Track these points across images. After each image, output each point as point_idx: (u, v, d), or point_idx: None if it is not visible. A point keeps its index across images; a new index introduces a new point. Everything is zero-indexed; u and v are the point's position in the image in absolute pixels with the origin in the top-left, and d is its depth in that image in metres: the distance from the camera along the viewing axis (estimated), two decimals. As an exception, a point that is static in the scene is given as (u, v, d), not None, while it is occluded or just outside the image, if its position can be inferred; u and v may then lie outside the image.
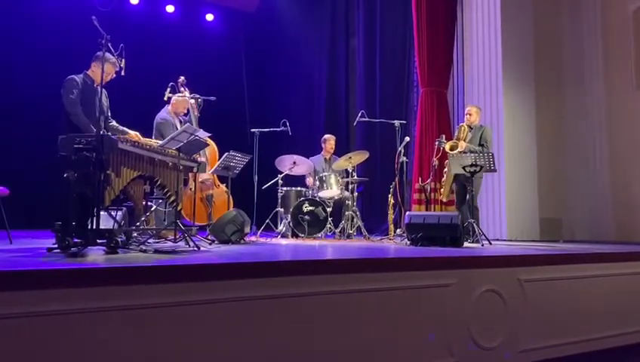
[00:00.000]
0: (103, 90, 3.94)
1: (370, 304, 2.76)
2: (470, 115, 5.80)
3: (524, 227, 6.72)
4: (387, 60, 8.45)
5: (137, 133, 4.30)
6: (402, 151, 6.07)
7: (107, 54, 3.80)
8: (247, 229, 4.96)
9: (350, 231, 6.10)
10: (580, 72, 7.36)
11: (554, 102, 7.25)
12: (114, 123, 4.35)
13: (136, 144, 3.58)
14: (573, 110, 7.33)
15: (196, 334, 2.31)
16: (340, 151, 7.04)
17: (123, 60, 3.78)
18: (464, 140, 5.59)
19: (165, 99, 5.30)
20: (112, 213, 3.76)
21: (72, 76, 4.21)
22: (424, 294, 2.94)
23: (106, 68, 4.10)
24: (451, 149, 5.52)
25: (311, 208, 5.92)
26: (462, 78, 7.41)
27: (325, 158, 6.88)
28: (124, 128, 4.30)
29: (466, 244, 4.66)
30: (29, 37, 7.87)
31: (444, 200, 5.94)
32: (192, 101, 5.47)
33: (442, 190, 5.83)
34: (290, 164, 6.28)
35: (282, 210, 6.23)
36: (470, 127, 5.74)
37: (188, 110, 5.46)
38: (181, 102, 5.37)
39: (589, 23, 7.33)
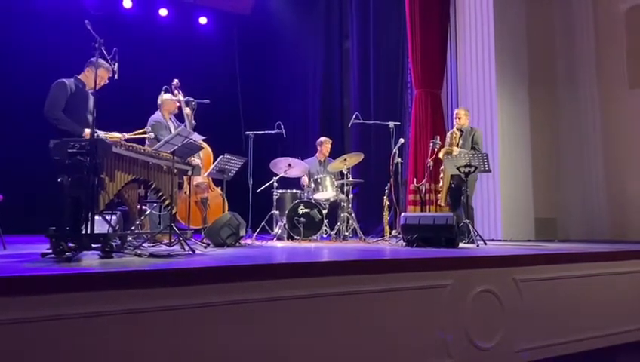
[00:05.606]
0: (91, 97, 3.88)
1: (367, 305, 2.76)
2: (459, 118, 5.80)
3: (519, 227, 6.72)
4: (381, 62, 8.45)
5: (123, 134, 4.27)
6: (397, 152, 6.07)
7: (101, 60, 3.76)
8: (242, 232, 4.95)
9: (346, 233, 6.11)
10: (573, 72, 7.40)
11: (548, 101, 7.27)
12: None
13: (130, 148, 3.56)
14: (567, 109, 7.36)
15: (192, 338, 2.30)
16: (334, 153, 7.04)
17: (116, 64, 3.76)
18: (456, 145, 5.61)
19: (159, 102, 5.29)
20: (107, 218, 3.74)
21: (62, 80, 4.13)
22: (420, 295, 2.94)
23: (99, 73, 4.06)
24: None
25: (306, 210, 5.92)
26: (455, 79, 7.42)
27: (320, 160, 6.87)
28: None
29: (461, 245, 4.66)
30: (22, 41, 7.84)
31: (443, 204, 5.93)
32: (189, 110, 5.43)
33: (440, 195, 5.82)
34: (285, 166, 6.27)
35: (277, 212, 6.21)
36: (461, 131, 5.75)
37: (182, 116, 5.42)
38: (170, 102, 5.34)
39: (582, 23, 7.38)
